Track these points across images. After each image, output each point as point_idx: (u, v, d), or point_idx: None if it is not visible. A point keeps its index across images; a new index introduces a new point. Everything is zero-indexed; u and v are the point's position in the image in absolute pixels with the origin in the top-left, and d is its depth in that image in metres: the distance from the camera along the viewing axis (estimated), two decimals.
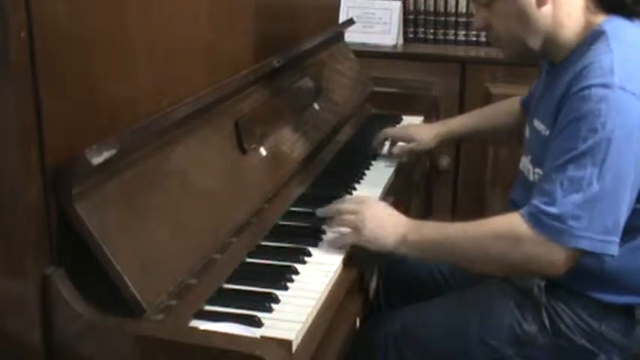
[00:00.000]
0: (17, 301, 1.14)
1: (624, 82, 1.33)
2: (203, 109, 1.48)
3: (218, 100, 1.54)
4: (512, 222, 1.39)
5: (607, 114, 1.32)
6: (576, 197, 1.33)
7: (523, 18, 1.47)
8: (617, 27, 1.43)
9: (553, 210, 1.34)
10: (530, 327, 1.50)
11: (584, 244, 1.34)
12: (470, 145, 2.85)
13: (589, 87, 1.34)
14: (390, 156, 2.06)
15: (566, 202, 1.33)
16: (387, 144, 2.09)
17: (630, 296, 1.46)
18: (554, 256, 1.36)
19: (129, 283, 1.14)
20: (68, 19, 1.15)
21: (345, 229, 1.53)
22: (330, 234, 1.56)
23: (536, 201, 1.37)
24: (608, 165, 1.32)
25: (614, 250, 1.34)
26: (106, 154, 1.14)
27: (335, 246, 1.51)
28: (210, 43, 1.61)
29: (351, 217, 1.51)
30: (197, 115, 1.45)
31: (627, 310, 1.47)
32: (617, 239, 1.34)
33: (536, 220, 1.36)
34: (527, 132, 1.64)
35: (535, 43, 1.49)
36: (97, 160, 1.12)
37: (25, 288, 1.13)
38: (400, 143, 2.06)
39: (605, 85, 1.33)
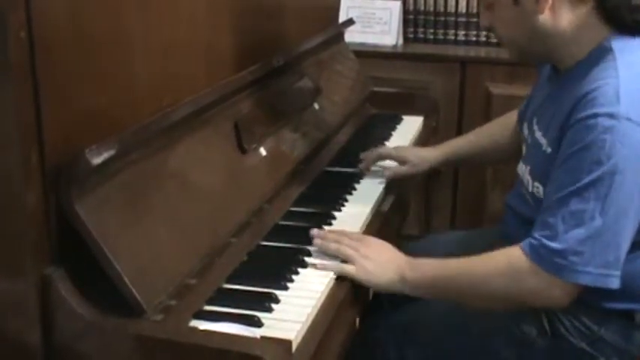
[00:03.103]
0: (17, 301, 1.14)
1: (630, 111, 1.31)
2: (203, 109, 1.48)
3: (218, 100, 1.54)
4: (513, 257, 1.38)
5: (612, 146, 1.29)
6: (578, 232, 1.31)
7: (521, 24, 1.45)
8: (625, 46, 1.40)
9: (554, 245, 1.33)
10: (530, 329, 1.49)
11: (585, 279, 1.33)
12: None
13: (594, 116, 1.31)
14: (380, 176, 1.91)
15: (568, 238, 1.32)
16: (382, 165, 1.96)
17: (630, 303, 1.46)
18: (555, 290, 1.35)
19: (128, 283, 1.14)
20: (68, 19, 1.15)
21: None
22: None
23: (537, 234, 1.36)
24: (612, 199, 1.30)
25: (614, 282, 1.33)
26: (105, 155, 1.14)
27: (329, 270, 1.45)
28: (209, 43, 1.61)
29: (350, 252, 1.47)
30: (197, 115, 1.46)
31: (628, 315, 1.47)
32: (617, 272, 1.33)
33: (537, 254, 1.35)
34: (526, 133, 1.63)
35: (535, 48, 1.48)
36: (96, 161, 1.12)
37: (25, 288, 1.13)
38: (389, 162, 1.97)
39: (611, 116, 1.30)
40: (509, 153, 1.91)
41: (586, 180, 1.31)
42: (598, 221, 1.31)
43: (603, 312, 1.46)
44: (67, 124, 1.15)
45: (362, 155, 1.98)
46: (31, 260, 1.12)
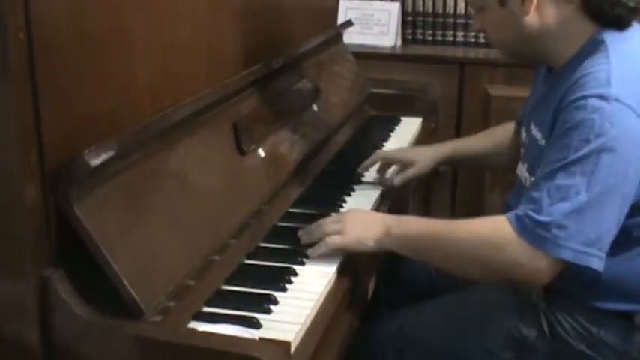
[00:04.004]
0: (16, 302, 1.14)
1: (620, 94, 1.32)
2: (202, 111, 1.48)
3: (217, 101, 1.54)
4: (499, 226, 1.38)
5: (601, 125, 1.31)
6: (563, 206, 1.32)
7: (509, 26, 1.47)
8: (616, 37, 1.41)
9: (539, 217, 1.33)
10: (529, 331, 1.49)
11: (566, 254, 1.32)
12: None
13: (585, 97, 1.33)
14: (386, 182, 1.90)
15: (553, 211, 1.32)
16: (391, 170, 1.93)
17: (629, 304, 1.46)
18: (537, 263, 1.35)
19: (127, 285, 1.14)
20: (67, 20, 1.15)
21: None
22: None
23: (523, 207, 1.36)
24: (598, 176, 1.31)
25: (595, 262, 1.32)
26: (104, 156, 1.14)
27: (320, 251, 1.48)
28: (209, 44, 1.61)
29: (333, 225, 1.50)
30: (196, 116, 1.46)
31: (626, 316, 1.47)
32: (598, 252, 1.32)
33: (522, 225, 1.35)
34: (524, 136, 1.63)
35: (525, 49, 1.49)
36: (95, 162, 1.12)
37: (24, 289, 1.13)
38: (394, 168, 1.94)
39: (601, 97, 1.32)
40: (509, 160, 1.92)
41: (573, 157, 1.32)
42: (583, 197, 1.31)
43: (602, 313, 1.46)
44: (66, 125, 1.15)
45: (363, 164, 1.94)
46: (30, 261, 1.12)
